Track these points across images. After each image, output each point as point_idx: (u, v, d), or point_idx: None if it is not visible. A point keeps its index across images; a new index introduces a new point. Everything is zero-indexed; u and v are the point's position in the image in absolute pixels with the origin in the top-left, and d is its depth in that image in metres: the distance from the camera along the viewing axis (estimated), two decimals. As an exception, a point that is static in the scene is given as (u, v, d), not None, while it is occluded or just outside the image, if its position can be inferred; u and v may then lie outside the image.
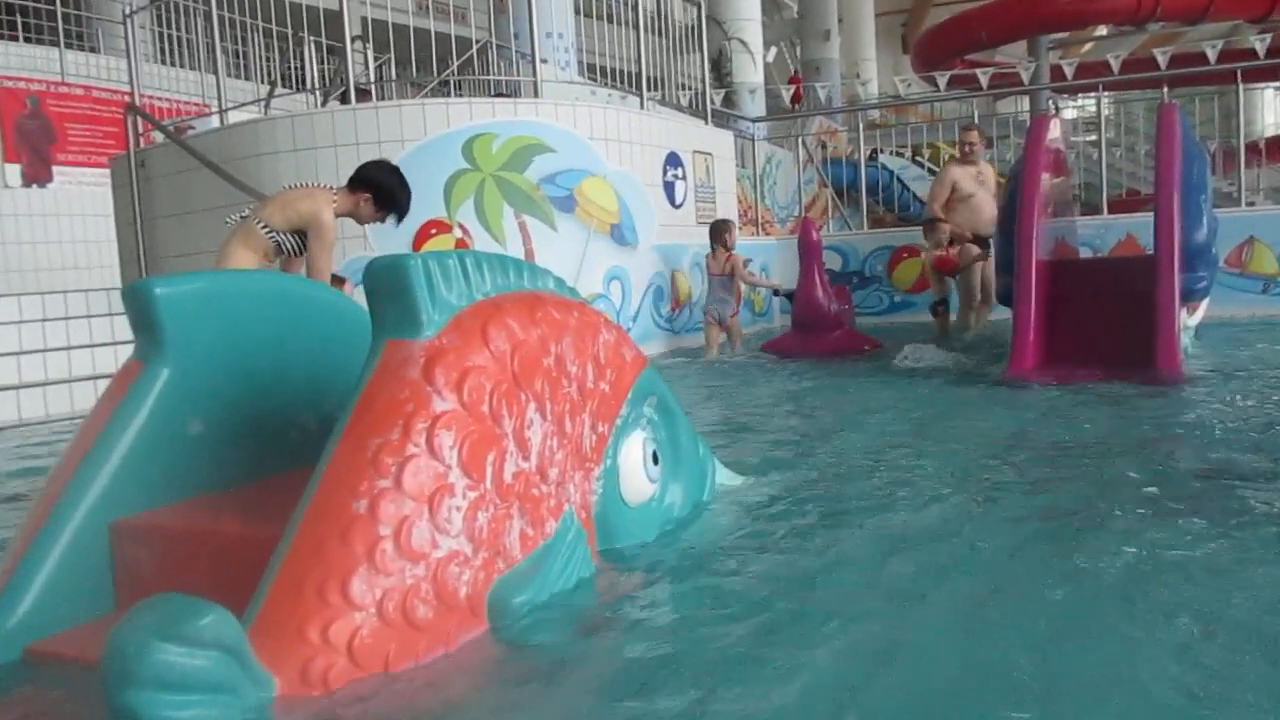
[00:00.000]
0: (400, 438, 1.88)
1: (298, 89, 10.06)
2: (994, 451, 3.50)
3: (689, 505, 2.73)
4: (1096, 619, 1.90)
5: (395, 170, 4.25)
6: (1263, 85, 21.68)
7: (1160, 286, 5.00)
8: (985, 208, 7.24)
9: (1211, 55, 9.87)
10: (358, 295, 2.33)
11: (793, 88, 16.48)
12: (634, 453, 2.48)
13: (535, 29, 7.50)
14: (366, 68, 10.65)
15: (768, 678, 1.70)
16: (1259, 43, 10.20)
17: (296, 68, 10.57)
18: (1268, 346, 6.08)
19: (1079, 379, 4.83)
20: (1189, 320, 5.79)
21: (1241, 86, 9.74)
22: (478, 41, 9.75)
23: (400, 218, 4.23)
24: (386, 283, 2.01)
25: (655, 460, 2.58)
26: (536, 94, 7.15)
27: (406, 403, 1.92)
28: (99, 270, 10.47)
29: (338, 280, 4.27)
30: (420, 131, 6.39)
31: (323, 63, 10.73)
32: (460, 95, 8.42)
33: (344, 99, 7.07)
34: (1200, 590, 2.02)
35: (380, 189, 4.11)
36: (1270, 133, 21.54)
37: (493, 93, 8.77)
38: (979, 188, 7.32)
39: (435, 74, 8.48)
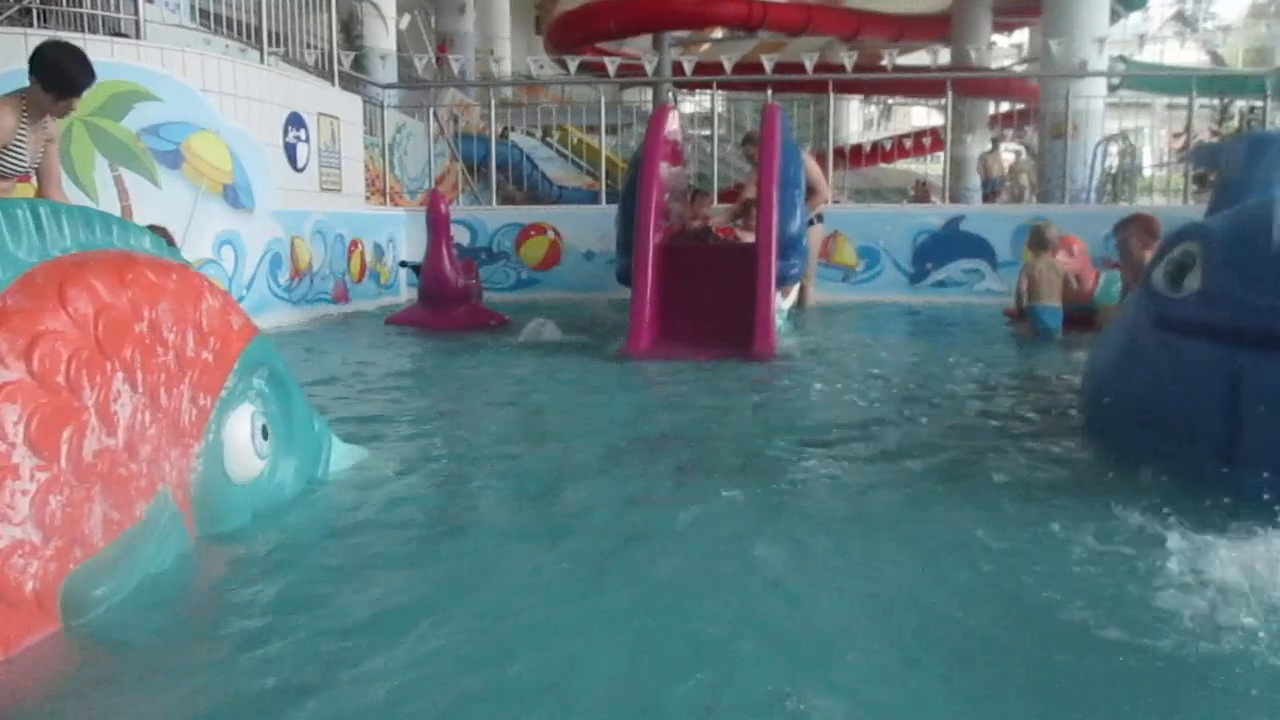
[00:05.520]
0: (-51, 412, 1.62)
1: None
2: (607, 423, 3.66)
3: (303, 482, 2.61)
4: (694, 584, 2.04)
5: (56, 45, 3.93)
6: (850, 96, 24.42)
7: (759, 272, 5.46)
8: None
9: (809, 65, 10.86)
10: None
11: (435, 55, 16.18)
12: (241, 427, 2.33)
13: (140, -38, 6.79)
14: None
15: (380, 656, 1.65)
16: (847, 59, 11.36)
17: None
18: (847, 327, 6.88)
19: (688, 356, 5.16)
20: (783, 303, 6.38)
21: (833, 96, 10.85)
22: (69, -32, 8.66)
23: (78, 89, 3.86)
24: (-66, 232, 1.73)
25: (265, 435, 2.43)
26: (139, 34, 6.47)
27: (-42, 372, 1.66)
28: None
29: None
30: (-9, 63, 5.56)
31: None
32: (45, 26, 7.43)
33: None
34: (782, 551, 2.22)
35: (37, 68, 3.75)
36: (854, 140, 24.32)
37: (85, 28, 7.83)
38: None
39: (13, -1, 7.43)
